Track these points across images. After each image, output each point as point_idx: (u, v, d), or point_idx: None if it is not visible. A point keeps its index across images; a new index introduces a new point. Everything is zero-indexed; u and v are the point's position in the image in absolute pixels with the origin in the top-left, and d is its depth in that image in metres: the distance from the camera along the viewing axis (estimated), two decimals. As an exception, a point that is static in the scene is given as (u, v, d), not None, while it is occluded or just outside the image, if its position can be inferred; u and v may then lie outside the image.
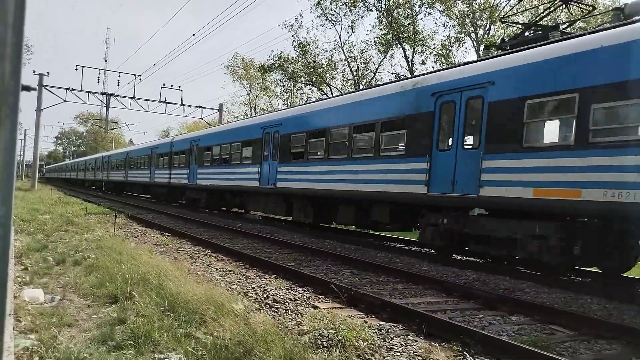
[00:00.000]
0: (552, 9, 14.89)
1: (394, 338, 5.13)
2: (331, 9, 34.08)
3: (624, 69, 7.79)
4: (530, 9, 27.19)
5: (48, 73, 37.10)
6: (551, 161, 8.69)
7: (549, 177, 8.69)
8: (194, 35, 39.37)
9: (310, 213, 16.55)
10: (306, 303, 6.56)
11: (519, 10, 27.68)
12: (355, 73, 35.78)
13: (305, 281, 7.98)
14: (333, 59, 36.52)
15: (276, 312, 6.01)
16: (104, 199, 33.55)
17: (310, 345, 4.46)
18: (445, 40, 30.74)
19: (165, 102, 40.02)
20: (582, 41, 8.69)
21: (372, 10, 33.16)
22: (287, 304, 6.44)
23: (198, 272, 8.22)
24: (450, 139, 10.87)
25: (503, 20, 21.56)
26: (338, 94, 31.71)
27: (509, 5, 27.98)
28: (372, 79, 35.35)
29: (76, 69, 36.18)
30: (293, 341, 4.42)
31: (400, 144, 12.41)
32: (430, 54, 31.26)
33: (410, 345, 4.90)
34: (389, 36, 32.13)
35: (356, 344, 4.56)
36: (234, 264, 9.62)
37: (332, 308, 6.24)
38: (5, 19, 1.14)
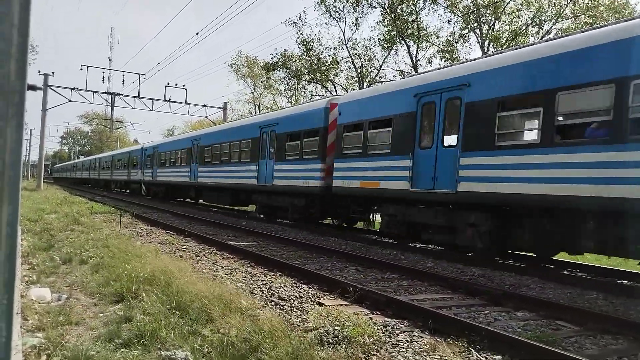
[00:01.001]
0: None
1: (400, 334, 5.14)
2: (335, 6, 34.09)
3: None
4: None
5: (53, 73, 37.30)
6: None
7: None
8: (197, 34, 39.25)
9: None
10: (311, 300, 6.58)
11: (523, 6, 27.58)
12: (359, 70, 35.76)
13: (311, 278, 8.00)
14: (337, 56, 36.54)
15: (282, 309, 6.03)
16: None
17: (316, 342, 4.48)
18: (449, 37, 30.69)
19: (169, 101, 40.06)
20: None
21: (375, 7, 33.16)
22: (292, 301, 6.46)
23: (204, 270, 8.26)
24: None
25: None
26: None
27: (513, 1, 27.87)
28: (376, 75, 35.33)
29: (81, 69, 36.39)
30: (299, 338, 4.44)
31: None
32: (436, 52, 31.22)
33: (416, 342, 4.91)
34: (393, 33, 32.08)
35: (362, 340, 4.57)
36: (239, 262, 9.65)
37: (338, 305, 6.25)
38: (11, 20, 1.15)
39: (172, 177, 29.56)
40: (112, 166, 46.97)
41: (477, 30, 29.45)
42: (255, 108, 51.31)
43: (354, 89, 23.25)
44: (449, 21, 30.42)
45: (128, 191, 43.72)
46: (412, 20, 31.06)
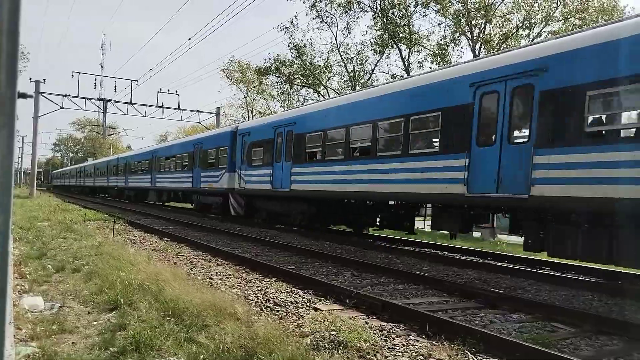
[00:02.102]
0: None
1: (396, 338, 5.12)
2: (326, 11, 34.15)
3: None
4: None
5: (45, 80, 37.12)
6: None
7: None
8: (189, 39, 39.27)
9: None
10: (307, 305, 6.55)
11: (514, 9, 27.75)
12: (351, 74, 35.84)
13: (306, 283, 7.97)
14: (329, 61, 36.60)
15: (277, 315, 6.00)
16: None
17: (312, 347, 4.46)
18: (440, 40, 30.83)
19: (162, 106, 39.98)
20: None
21: (367, 11, 33.24)
22: (287, 306, 6.43)
23: (198, 277, 8.21)
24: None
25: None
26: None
27: (504, 4, 28.04)
28: (368, 79, 35.41)
29: (72, 76, 36.21)
30: (295, 344, 4.42)
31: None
32: (427, 55, 31.35)
33: (412, 345, 4.89)
34: (385, 36, 32.19)
35: (358, 344, 4.55)
36: (234, 267, 9.60)
37: (333, 310, 6.23)
38: (0, 27, 1.14)
39: (361, 183, 13.86)
40: (152, 167, 32.34)
41: (468, 34, 29.58)
42: (248, 113, 51.24)
43: (348, 92, 23.34)
44: (439, 24, 30.55)
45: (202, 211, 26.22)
46: (404, 24, 31.18)
